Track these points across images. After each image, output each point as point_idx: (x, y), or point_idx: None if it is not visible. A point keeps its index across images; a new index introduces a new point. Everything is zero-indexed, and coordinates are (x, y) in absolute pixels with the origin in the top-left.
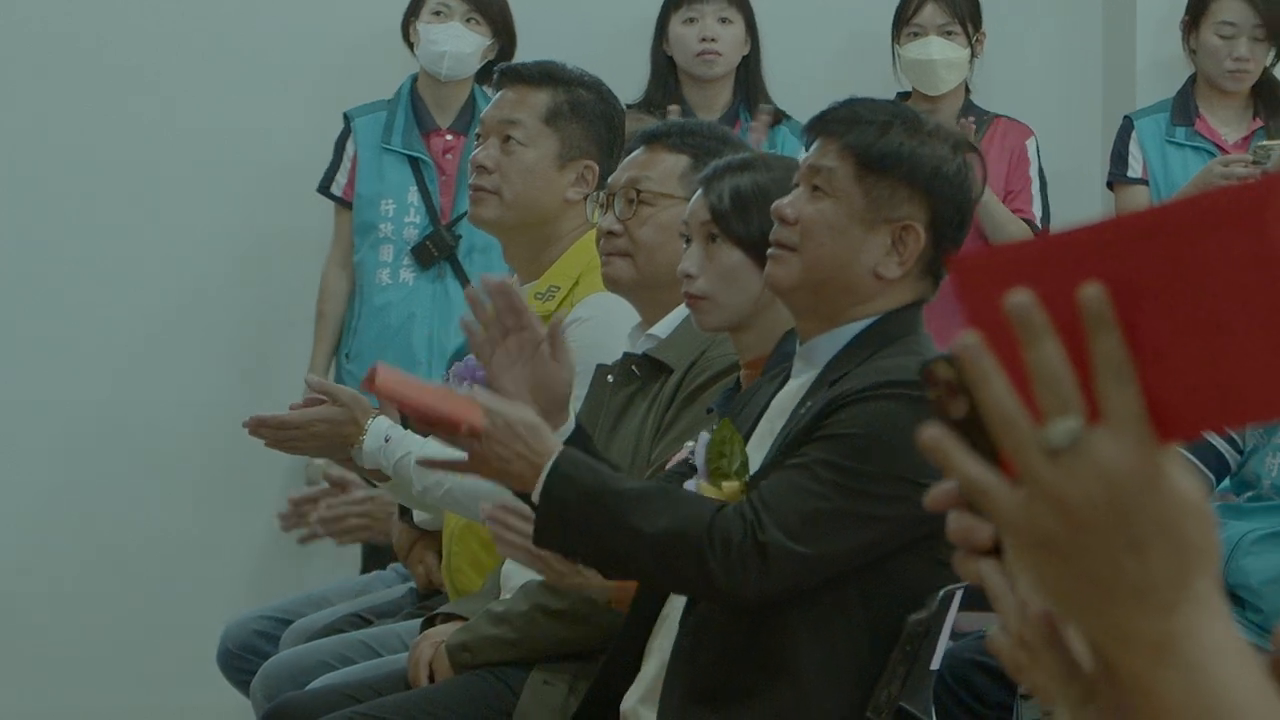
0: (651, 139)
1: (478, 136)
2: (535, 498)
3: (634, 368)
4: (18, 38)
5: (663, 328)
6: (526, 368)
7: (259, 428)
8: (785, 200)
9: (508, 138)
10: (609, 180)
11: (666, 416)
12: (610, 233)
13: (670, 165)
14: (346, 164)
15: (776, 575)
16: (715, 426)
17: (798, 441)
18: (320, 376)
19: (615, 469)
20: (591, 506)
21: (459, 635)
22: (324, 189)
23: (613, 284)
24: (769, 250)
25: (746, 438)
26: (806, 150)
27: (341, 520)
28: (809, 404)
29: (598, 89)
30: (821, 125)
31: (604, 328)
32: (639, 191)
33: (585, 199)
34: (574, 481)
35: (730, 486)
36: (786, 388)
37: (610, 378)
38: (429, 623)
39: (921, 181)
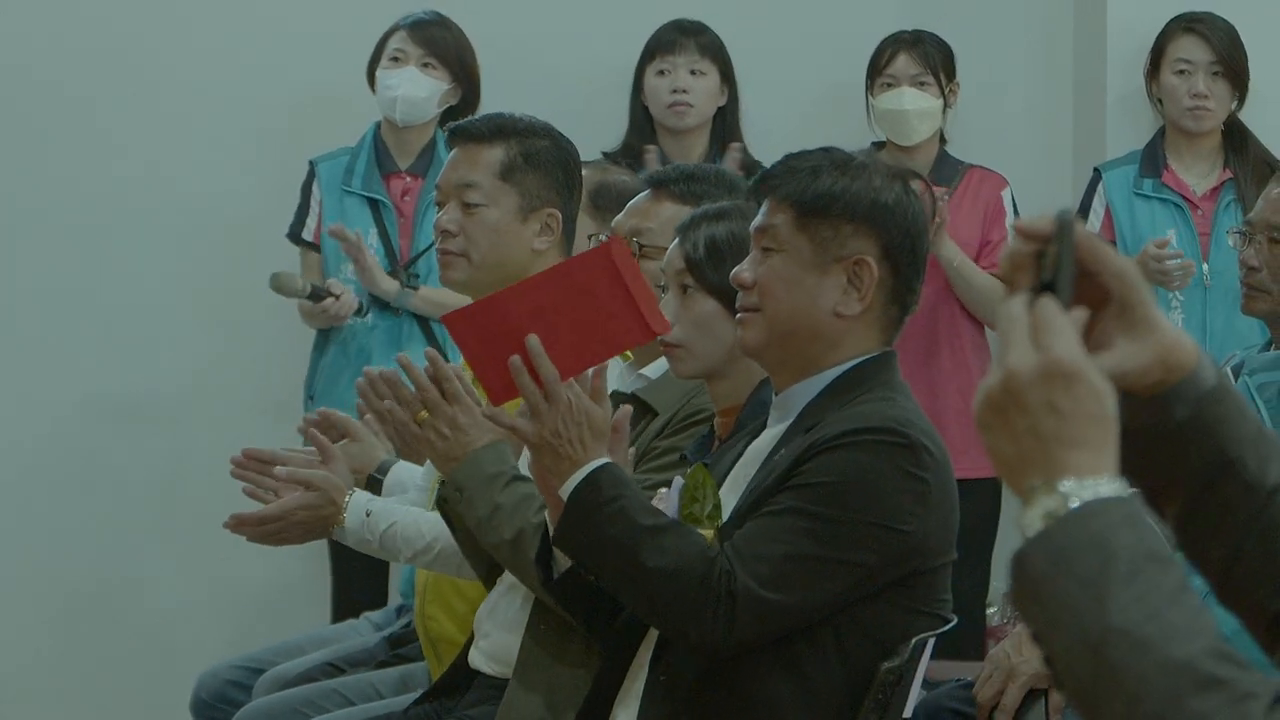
0: (657, 185)
1: (436, 202)
2: (563, 494)
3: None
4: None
5: (653, 369)
6: None
7: (240, 526)
8: (742, 266)
9: (467, 201)
10: (613, 223)
11: (644, 461)
12: None
13: (672, 215)
14: (315, 208)
15: (746, 623)
16: (688, 472)
17: (772, 488)
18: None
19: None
20: (608, 521)
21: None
22: (294, 235)
23: None
24: (736, 316)
25: (720, 483)
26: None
27: (288, 514)
28: (783, 451)
29: (549, 135)
30: (761, 186)
31: None
32: (641, 245)
33: (550, 246)
34: (601, 494)
35: (705, 534)
36: (761, 436)
37: None
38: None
39: (862, 215)
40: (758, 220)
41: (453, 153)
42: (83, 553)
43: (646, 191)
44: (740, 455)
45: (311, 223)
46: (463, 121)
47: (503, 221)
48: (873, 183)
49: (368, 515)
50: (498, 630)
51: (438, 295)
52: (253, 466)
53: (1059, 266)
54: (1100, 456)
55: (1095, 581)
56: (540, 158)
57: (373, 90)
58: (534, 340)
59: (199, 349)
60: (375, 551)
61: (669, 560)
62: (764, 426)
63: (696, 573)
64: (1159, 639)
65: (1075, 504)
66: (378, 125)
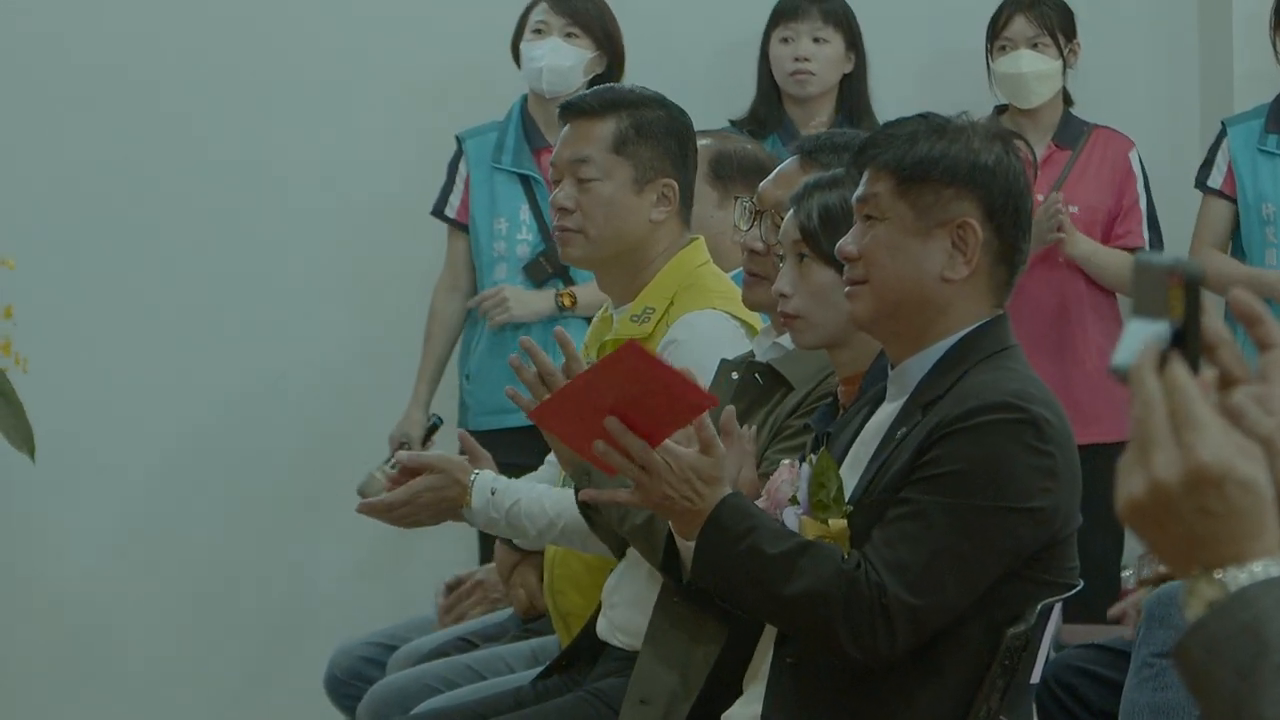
0: (806, 154)
1: (553, 180)
2: (691, 540)
3: (757, 375)
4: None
5: (790, 339)
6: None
7: (371, 512)
8: (846, 238)
9: (581, 176)
10: (760, 191)
11: (779, 441)
12: (753, 251)
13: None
14: (459, 186)
15: (904, 633)
16: (815, 456)
17: (900, 477)
18: (424, 405)
19: (773, 520)
20: (739, 560)
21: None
22: (438, 212)
23: (753, 307)
24: (844, 289)
25: (840, 461)
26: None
27: (414, 497)
28: (903, 429)
29: (660, 104)
30: (860, 157)
31: (696, 350)
32: (783, 218)
33: (668, 217)
34: (727, 534)
35: (837, 525)
36: (879, 412)
37: (735, 374)
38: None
39: (962, 177)
40: (859, 191)
41: (565, 129)
42: (214, 536)
43: (794, 158)
44: (858, 432)
45: (455, 200)
46: (573, 97)
47: (618, 194)
48: (971, 145)
49: (492, 494)
50: (625, 604)
51: (595, 293)
52: (377, 507)
53: (1187, 320)
54: (1259, 540)
55: (1250, 672)
56: (652, 128)
57: (518, 65)
58: (612, 421)
59: (347, 330)
60: (503, 530)
61: (806, 584)
62: (884, 397)
63: (839, 592)
64: None
65: (1233, 589)
66: (524, 100)
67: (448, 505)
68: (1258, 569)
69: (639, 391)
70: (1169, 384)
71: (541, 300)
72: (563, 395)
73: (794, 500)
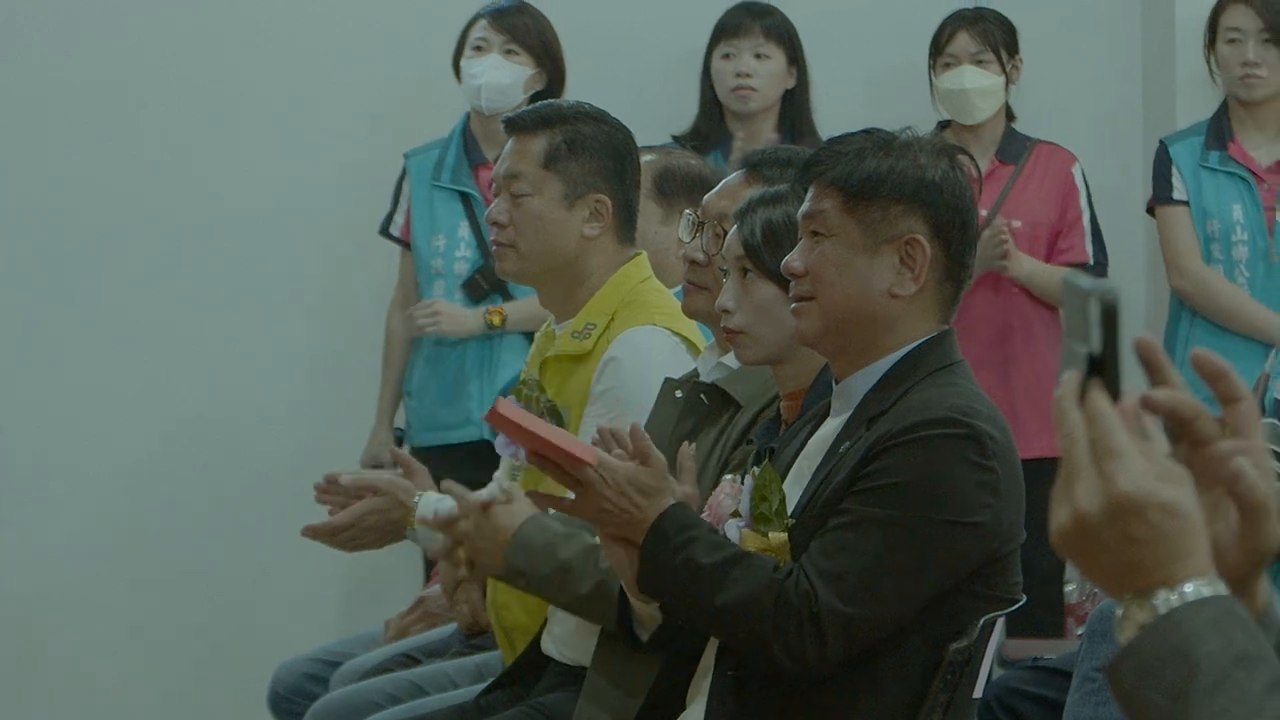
0: (750, 167)
1: (494, 195)
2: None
3: (702, 396)
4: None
5: (735, 358)
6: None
7: (315, 535)
8: (792, 255)
9: (514, 190)
10: (704, 203)
11: (734, 456)
12: (693, 262)
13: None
14: (404, 204)
15: (836, 643)
16: (758, 469)
17: (840, 489)
18: (388, 425)
19: (713, 530)
20: (676, 570)
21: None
22: (384, 230)
23: (692, 315)
24: (791, 306)
25: (783, 475)
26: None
27: (358, 520)
28: (847, 443)
29: (598, 120)
30: (806, 173)
31: (635, 366)
32: (725, 230)
33: (602, 232)
34: (668, 543)
35: (778, 538)
36: (824, 426)
37: (678, 393)
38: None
39: (909, 194)
40: (805, 207)
41: (507, 144)
42: (163, 544)
43: (740, 172)
44: (803, 446)
45: (400, 218)
46: (514, 113)
47: (547, 209)
48: (918, 161)
49: (435, 515)
50: (569, 618)
51: (524, 310)
52: (333, 489)
53: (1106, 345)
54: (1188, 562)
55: (1181, 695)
56: (586, 144)
57: (459, 81)
58: (534, 458)
59: (306, 345)
60: (445, 550)
61: (738, 592)
62: (828, 412)
63: (768, 599)
64: None
65: (1163, 611)
66: (467, 117)
67: (392, 527)
68: (1188, 590)
69: (530, 439)
70: (1089, 414)
71: (471, 318)
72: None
73: (736, 514)
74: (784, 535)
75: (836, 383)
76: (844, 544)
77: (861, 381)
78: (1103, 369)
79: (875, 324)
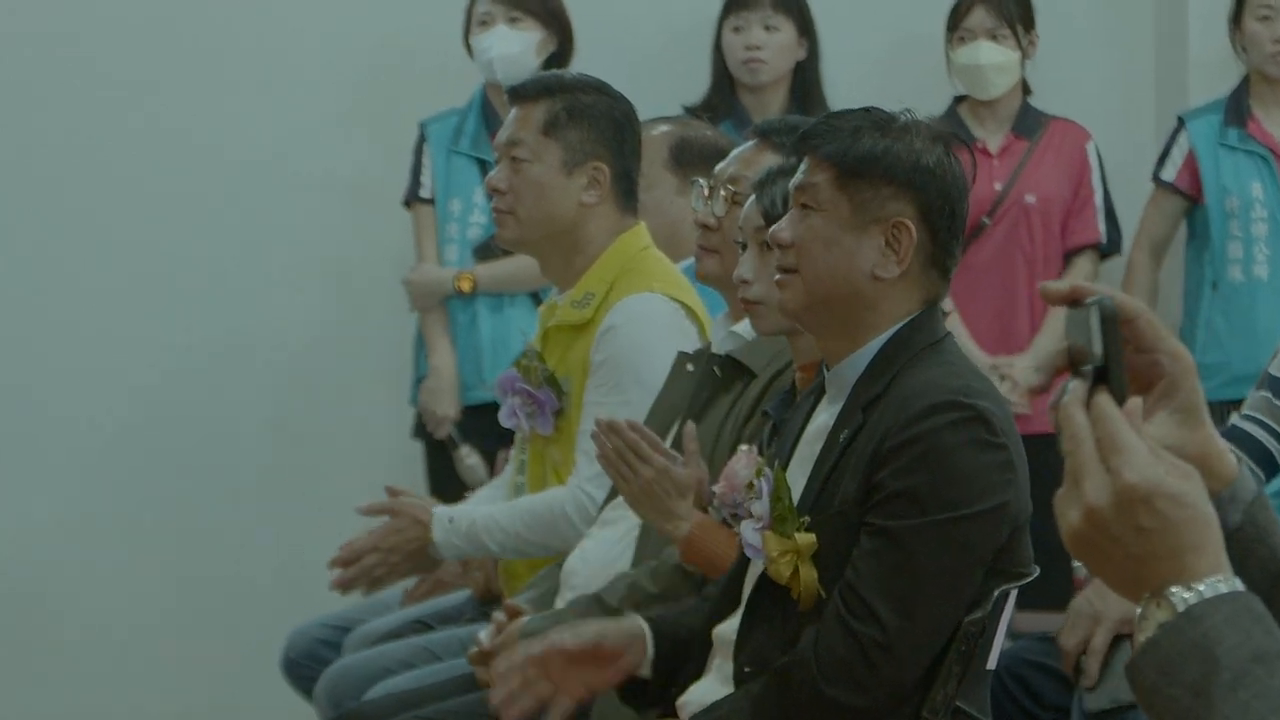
0: (762, 135)
1: (496, 163)
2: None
3: (715, 369)
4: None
5: (747, 327)
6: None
7: (346, 584)
8: (780, 225)
9: (514, 157)
10: (716, 169)
11: (748, 427)
12: (705, 226)
13: (772, 164)
14: (428, 165)
15: (894, 667)
16: (770, 469)
17: (856, 498)
18: (447, 365)
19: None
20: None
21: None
22: (410, 197)
23: (703, 279)
24: (774, 278)
25: (785, 462)
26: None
27: (379, 543)
28: (845, 432)
29: (599, 90)
30: (801, 145)
31: (633, 334)
32: (736, 192)
33: (601, 201)
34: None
35: (805, 540)
36: (820, 413)
37: (690, 367)
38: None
39: (902, 177)
40: (797, 178)
41: (510, 113)
42: (173, 513)
43: (753, 140)
44: (801, 430)
45: (426, 179)
46: (517, 83)
47: (545, 176)
48: (914, 145)
49: (450, 521)
50: (583, 584)
51: (497, 270)
52: (349, 562)
53: (1108, 352)
54: (1202, 556)
55: (1202, 690)
56: (586, 112)
57: (472, 59)
58: None
59: (314, 305)
60: (470, 553)
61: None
62: (824, 389)
63: (805, 658)
64: None
65: (1182, 608)
66: (484, 87)
67: (416, 546)
68: (1204, 588)
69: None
70: (1095, 414)
71: (438, 280)
72: None
73: (751, 514)
74: (811, 536)
75: (827, 367)
76: (878, 565)
77: (851, 367)
78: (1106, 376)
79: (857, 302)
